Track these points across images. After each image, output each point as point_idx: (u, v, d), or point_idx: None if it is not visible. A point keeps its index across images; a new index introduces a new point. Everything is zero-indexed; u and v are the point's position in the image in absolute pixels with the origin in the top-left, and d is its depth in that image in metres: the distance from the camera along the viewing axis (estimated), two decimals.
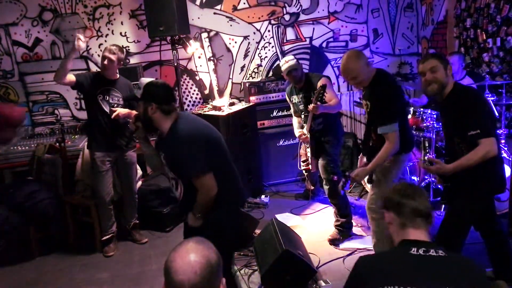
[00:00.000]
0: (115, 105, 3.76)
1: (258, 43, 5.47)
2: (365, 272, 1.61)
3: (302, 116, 4.05)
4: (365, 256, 1.76)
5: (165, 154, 2.44)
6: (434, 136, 4.15)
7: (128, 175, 4.05)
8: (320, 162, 3.88)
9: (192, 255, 1.30)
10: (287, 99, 4.26)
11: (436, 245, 1.65)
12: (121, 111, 3.67)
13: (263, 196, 4.87)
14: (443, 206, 4.03)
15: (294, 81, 3.96)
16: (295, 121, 4.27)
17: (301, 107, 4.02)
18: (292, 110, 4.30)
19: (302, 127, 4.09)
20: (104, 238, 3.95)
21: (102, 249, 3.96)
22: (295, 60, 3.88)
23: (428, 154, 2.59)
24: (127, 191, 4.09)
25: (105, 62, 3.67)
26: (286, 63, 3.88)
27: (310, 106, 3.61)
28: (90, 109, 3.81)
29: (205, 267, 1.28)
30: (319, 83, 3.55)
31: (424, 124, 4.22)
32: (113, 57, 3.66)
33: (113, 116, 3.62)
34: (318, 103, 3.56)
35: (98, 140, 3.80)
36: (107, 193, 3.89)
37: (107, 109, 3.75)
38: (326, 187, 3.86)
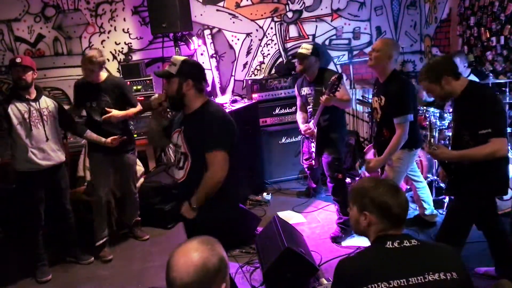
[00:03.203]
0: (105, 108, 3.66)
1: (261, 40, 5.46)
2: (347, 276, 1.60)
3: (310, 109, 4.00)
4: (343, 260, 1.74)
5: (189, 127, 2.40)
6: (437, 134, 4.14)
7: (127, 177, 3.98)
8: (325, 159, 3.87)
9: (190, 256, 1.30)
10: (296, 91, 4.24)
11: (408, 236, 1.66)
12: (115, 114, 3.61)
13: (265, 194, 4.86)
14: (445, 204, 4.04)
15: (300, 68, 3.91)
16: (299, 116, 4.25)
17: (310, 99, 3.99)
18: (298, 104, 4.28)
19: (307, 123, 4.07)
20: (99, 243, 3.82)
21: (98, 255, 3.82)
22: (310, 50, 3.84)
23: (432, 139, 2.68)
24: (126, 193, 4.06)
25: (86, 72, 3.60)
26: (300, 48, 3.89)
27: (323, 97, 3.58)
28: (90, 115, 3.74)
29: (199, 270, 1.27)
30: (334, 77, 3.52)
31: (427, 122, 4.21)
32: (92, 67, 3.56)
33: (103, 118, 3.57)
34: (331, 94, 3.53)
35: (96, 146, 3.71)
36: (105, 193, 3.81)
37: (97, 116, 3.66)
38: (330, 185, 3.86)
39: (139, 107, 3.87)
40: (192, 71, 2.39)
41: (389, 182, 1.77)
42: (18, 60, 3.26)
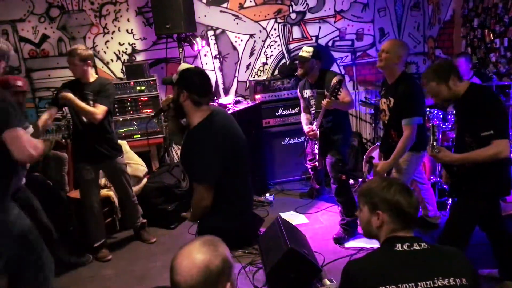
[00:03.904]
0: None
1: (264, 41, 5.47)
2: (355, 278, 1.59)
3: (313, 111, 4.03)
4: (352, 262, 1.72)
5: (183, 147, 2.37)
6: (440, 136, 4.14)
7: (120, 182, 3.86)
8: (329, 160, 3.88)
9: (193, 258, 1.30)
10: (299, 93, 4.26)
11: (418, 238, 1.65)
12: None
13: (267, 194, 4.86)
14: (448, 206, 4.03)
15: (301, 72, 3.95)
16: (303, 118, 4.27)
17: (312, 102, 4.01)
18: (302, 106, 4.30)
19: (310, 124, 4.08)
20: (97, 244, 3.78)
21: (96, 256, 3.79)
22: (311, 53, 3.86)
23: (435, 142, 2.67)
24: (123, 198, 3.99)
25: (69, 66, 3.46)
26: (301, 51, 3.93)
27: (325, 101, 3.60)
28: (73, 118, 3.64)
29: (202, 272, 1.28)
30: (334, 80, 3.55)
31: (430, 124, 4.20)
32: (71, 59, 3.41)
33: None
34: (333, 98, 3.56)
35: (80, 151, 3.66)
36: (95, 202, 3.72)
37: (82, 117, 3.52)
38: (333, 186, 3.86)
39: (95, 109, 3.42)
40: (190, 82, 2.25)
41: (400, 182, 1.76)
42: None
